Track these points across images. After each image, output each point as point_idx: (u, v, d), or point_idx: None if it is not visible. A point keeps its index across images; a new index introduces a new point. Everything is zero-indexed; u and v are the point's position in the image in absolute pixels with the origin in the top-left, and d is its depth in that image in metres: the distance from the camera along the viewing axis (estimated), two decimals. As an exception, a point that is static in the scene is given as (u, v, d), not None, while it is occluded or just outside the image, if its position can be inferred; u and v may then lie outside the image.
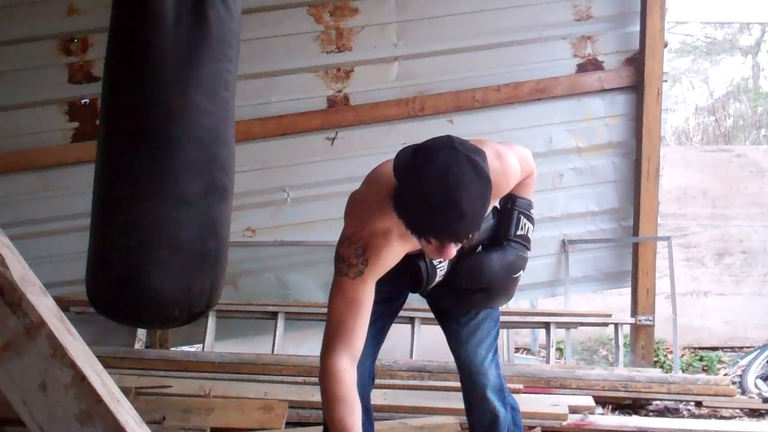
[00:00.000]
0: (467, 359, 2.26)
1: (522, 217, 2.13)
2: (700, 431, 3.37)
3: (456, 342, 2.28)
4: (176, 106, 1.83)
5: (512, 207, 2.14)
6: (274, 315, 4.16)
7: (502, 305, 2.32)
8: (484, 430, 2.30)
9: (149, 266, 1.82)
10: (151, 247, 1.82)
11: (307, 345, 4.44)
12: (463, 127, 4.08)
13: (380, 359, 3.83)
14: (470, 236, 1.71)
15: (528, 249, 2.16)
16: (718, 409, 3.74)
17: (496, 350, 2.29)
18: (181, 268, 1.85)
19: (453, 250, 1.73)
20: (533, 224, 2.17)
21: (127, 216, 1.83)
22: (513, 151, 2.06)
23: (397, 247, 1.89)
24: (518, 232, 2.12)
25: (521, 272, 2.14)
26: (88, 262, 1.93)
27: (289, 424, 3.20)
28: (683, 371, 4.63)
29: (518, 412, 2.38)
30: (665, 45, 4.33)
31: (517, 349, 5.18)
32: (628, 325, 4.36)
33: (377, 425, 3.15)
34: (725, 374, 4.68)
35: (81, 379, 1.52)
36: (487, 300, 2.17)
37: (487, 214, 1.95)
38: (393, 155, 2.02)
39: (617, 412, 3.70)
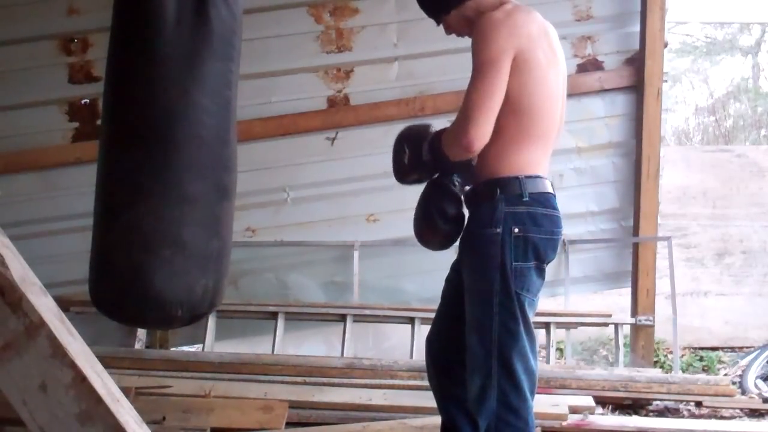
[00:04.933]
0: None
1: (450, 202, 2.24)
2: (700, 431, 3.37)
3: None
4: (178, 106, 1.83)
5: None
6: (274, 315, 4.16)
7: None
8: None
9: (152, 266, 1.82)
10: (154, 247, 1.82)
11: (307, 345, 4.45)
12: (463, 127, 4.08)
13: (380, 359, 3.87)
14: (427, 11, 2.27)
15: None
16: (718, 409, 3.74)
17: (477, 353, 2.11)
18: (185, 268, 1.85)
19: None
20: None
21: (129, 216, 1.82)
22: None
23: None
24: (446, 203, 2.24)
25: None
26: (90, 263, 1.92)
27: (289, 424, 3.19)
28: (683, 371, 4.63)
29: (510, 426, 2.08)
30: (665, 45, 4.33)
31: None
32: (628, 325, 4.36)
33: (377, 425, 3.16)
34: (725, 374, 4.67)
35: (81, 379, 1.52)
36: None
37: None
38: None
39: (617, 412, 3.70)
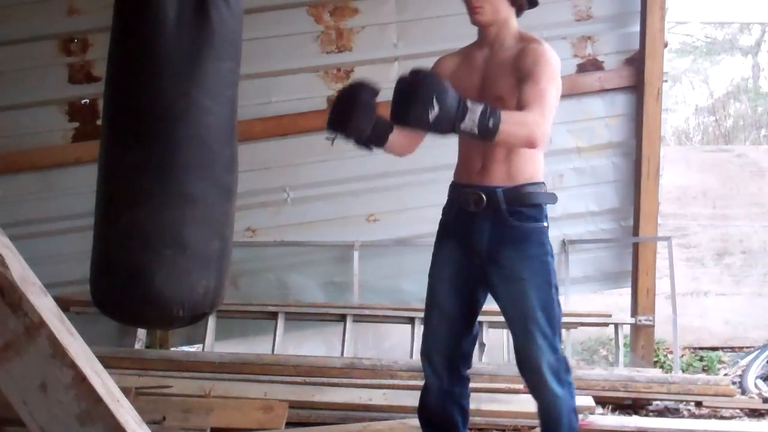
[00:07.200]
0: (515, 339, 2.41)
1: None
2: (700, 431, 3.37)
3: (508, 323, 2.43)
4: (179, 106, 1.83)
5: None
6: (274, 315, 4.16)
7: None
8: (543, 414, 2.42)
9: (153, 266, 1.82)
10: (155, 247, 1.82)
11: (307, 345, 4.45)
12: (463, 127, 4.08)
13: (380, 359, 3.87)
14: None
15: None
16: (718, 409, 3.74)
17: (547, 331, 2.33)
18: (185, 268, 1.85)
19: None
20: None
21: (130, 216, 1.83)
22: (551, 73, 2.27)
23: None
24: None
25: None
26: (92, 263, 1.93)
27: (289, 424, 3.19)
28: (683, 371, 4.62)
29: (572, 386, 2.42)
30: (665, 45, 4.34)
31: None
32: (628, 325, 4.36)
33: (377, 425, 3.16)
34: (725, 374, 4.67)
35: (81, 379, 1.52)
36: None
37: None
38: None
39: (617, 412, 3.69)
